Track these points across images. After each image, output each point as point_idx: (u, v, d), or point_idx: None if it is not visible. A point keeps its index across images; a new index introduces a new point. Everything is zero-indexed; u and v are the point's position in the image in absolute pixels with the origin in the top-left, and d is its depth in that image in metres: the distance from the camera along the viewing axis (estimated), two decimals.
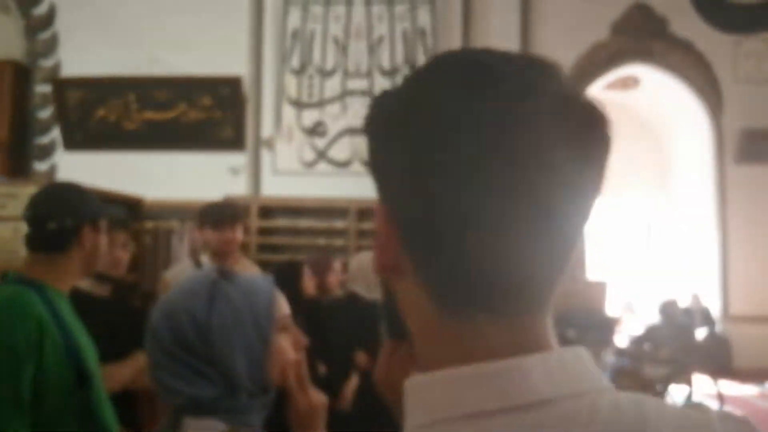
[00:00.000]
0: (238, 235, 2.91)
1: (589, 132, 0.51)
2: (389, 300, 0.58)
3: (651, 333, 6.24)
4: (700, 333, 8.08)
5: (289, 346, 0.98)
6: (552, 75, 0.50)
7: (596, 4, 8.79)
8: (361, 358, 3.46)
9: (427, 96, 0.48)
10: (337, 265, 3.71)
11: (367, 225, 7.73)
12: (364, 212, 7.72)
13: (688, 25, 8.80)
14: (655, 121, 10.79)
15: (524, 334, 0.47)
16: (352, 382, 3.49)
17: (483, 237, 0.45)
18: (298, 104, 8.36)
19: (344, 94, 8.27)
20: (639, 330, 7.13)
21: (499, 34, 8.50)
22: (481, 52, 0.52)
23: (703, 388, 6.16)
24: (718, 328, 8.54)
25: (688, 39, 8.89)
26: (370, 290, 4.26)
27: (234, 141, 8.67)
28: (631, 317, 9.72)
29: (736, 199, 8.85)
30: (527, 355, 0.45)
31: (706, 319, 8.50)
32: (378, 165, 0.51)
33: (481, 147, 0.45)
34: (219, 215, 2.90)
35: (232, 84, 8.51)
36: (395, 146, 0.48)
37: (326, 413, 1.03)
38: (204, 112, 8.64)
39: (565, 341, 0.50)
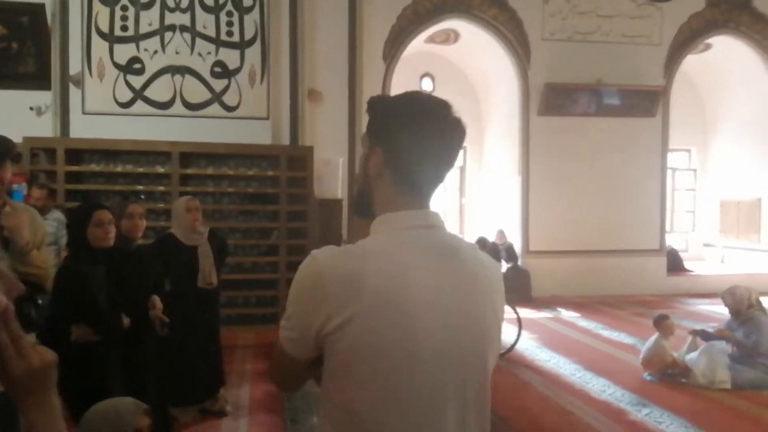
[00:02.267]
0: (6, 174, 2.42)
1: (460, 133, 1.20)
2: (363, 194, 1.23)
3: None
4: (504, 266, 9.02)
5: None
6: (449, 107, 1.20)
7: None
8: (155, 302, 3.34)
9: (411, 113, 1.17)
10: (136, 209, 3.47)
11: (192, 170, 7.44)
12: (187, 156, 7.40)
13: None
14: (473, 74, 11.51)
15: (425, 203, 1.20)
16: (158, 302, 3.36)
17: (419, 167, 1.17)
18: (110, 37, 7.67)
19: (163, 29, 7.73)
20: None
21: None
22: (426, 96, 1.23)
23: (506, 314, 6.94)
24: (520, 262, 9.59)
25: None
26: (185, 235, 4.17)
27: (37, 77, 7.76)
28: None
29: (538, 147, 9.85)
30: (427, 209, 1.20)
31: (510, 254, 9.52)
32: (381, 132, 1.19)
33: (427, 136, 1.16)
34: None
35: (33, 12, 7.56)
36: (394, 128, 1.17)
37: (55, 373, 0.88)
38: None
39: None
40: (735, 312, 5.13)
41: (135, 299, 3.22)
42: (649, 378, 5.26)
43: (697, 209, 12.40)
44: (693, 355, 5.25)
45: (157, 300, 3.33)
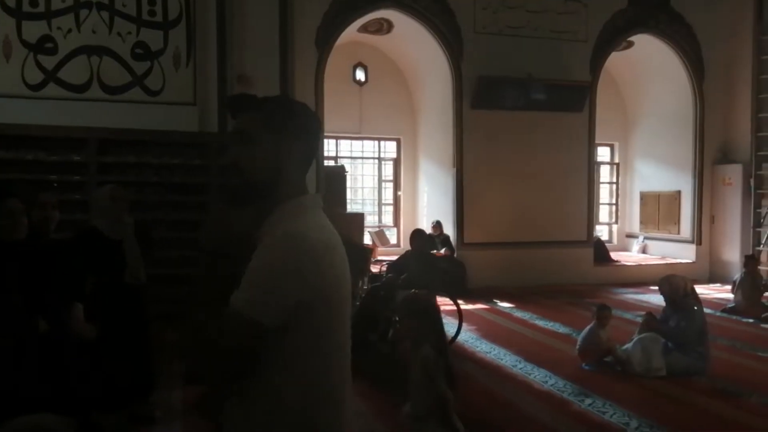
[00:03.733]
0: None
1: (320, 127, 1.53)
2: (265, 182, 1.39)
3: (401, 261, 6.69)
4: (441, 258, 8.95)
5: None
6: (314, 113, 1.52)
7: None
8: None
9: (307, 112, 1.47)
10: (49, 199, 3.11)
11: (111, 158, 6.91)
12: (105, 143, 6.87)
13: None
14: (406, 66, 11.41)
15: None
16: (78, 309, 3.06)
17: (312, 157, 1.50)
18: (18, 13, 6.99)
19: (78, 5, 7.13)
20: (392, 259, 7.62)
21: None
22: (302, 105, 1.49)
23: (444, 307, 6.86)
24: (456, 254, 9.59)
25: None
26: (110, 227, 3.81)
27: None
28: (384, 247, 10.42)
29: (471, 140, 9.87)
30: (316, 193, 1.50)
31: (446, 245, 9.50)
32: (286, 127, 1.40)
33: (316, 131, 1.48)
34: None
35: None
36: (298, 125, 1.44)
37: None
38: None
39: None
40: (671, 300, 5.25)
41: (51, 299, 2.86)
42: (586, 367, 5.31)
43: (620, 202, 12.87)
44: (628, 344, 5.34)
45: (77, 310, 2.97)
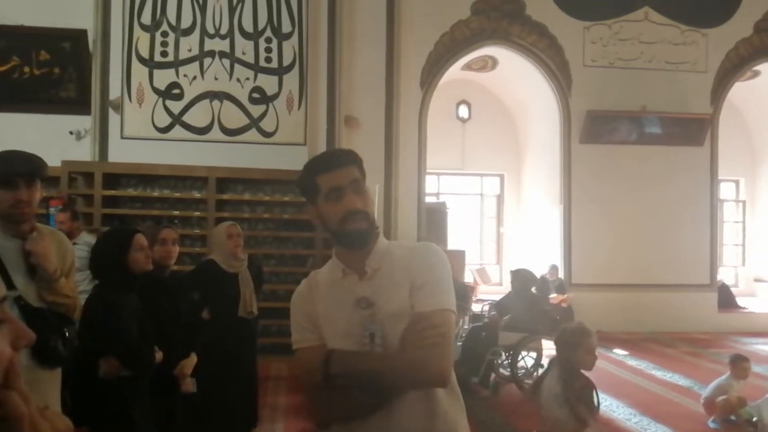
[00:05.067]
0: (35, 195, 2.19)
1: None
2: (372, 225, 1.54)
3: (504, 302, 6.52)
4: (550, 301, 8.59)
5: (3, 342, 0.64)
6: None
7: None
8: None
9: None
10: (169, 235, 3.30)
11: (227, 195, 7.33)
12: (223, 182, 7.30)
13: (543, 8, 9.30)
14: (511, 102, 11.31)
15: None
16: (191, 361, 3.20)
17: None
18: (150, 63, 7.69)
19: (202, 54, 7.73)
20: (493, 298, 7.46)
21: (365, 8, 8.41)
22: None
23: (549, 352, 6.57)
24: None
25: (542, 22, 9.37)
26: (226, 261, 4.01)
27: (77, 101, 7.80)
28: (485, 285, 10.21)
29: (579, 176, 9.54)
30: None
31: (559, 289, 9.07)
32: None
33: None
34: (5, 167, 2.15)
35: (75, 37, 7.63)
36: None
37: None
38: (42, 68, 7.73)
39: None
40: None
41: (169, 330, 3.03)
42: (713, 425, 4.85)
43: (747, 242, 11.85)
44: (758, 401, 4.84)
45: (187, 365, 3.13)
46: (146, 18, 7.68)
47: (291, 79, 7.85)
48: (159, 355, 2.88)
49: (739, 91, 10.39)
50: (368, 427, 1.43)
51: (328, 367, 1.42)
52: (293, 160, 7.67)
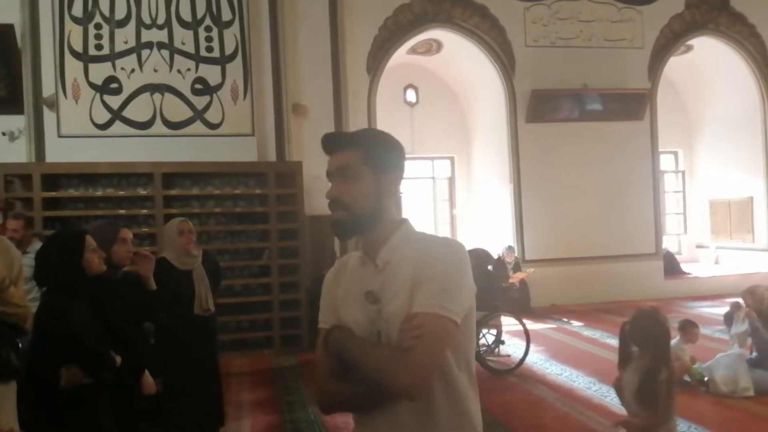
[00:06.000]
0: None
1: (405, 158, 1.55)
2: (372, 213, 1.44)
3: None
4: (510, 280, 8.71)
5: None
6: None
7: None
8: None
9: (399, 146, 1.50)
10: (128, 234, 3.18)
11: (175, 191, 7.12)
12: (169, 177, 7.09)
13: None
14: (458, 84, 11.37)
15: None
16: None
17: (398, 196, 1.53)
18: (85, 57, 7.36)
19: (140, 46, 7.44)
20: None
21: None
22: (394, 139, 1.51)
23: (509, 327, 6.69)
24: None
25: (483, 4, 9.43)
26: (179, 259, 3.88)
27: (8, 100, 7.40)
28: None
29: (527, 155, 9.70)
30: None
31: (516, 268, 9.20)
32: (384, 161, 1.44)
33: (400, 168, 1.49)
34: None
35: (2, 32, 7.22)
36: (394, 158, 1.48)
37: None
38: None
39: None
40: (756, 312, 4.95)
41: (125, 331, 2.92)
42: None
43: (688, 211, 12.34)
44: (709, 363, 5.06)
45: (148, 382, 3.04)
46: (77, 10, 7.35)
47: (234, 69, 7.66)
48: (117, 358, 2.77)
49: (674, 65, 10.75)
50: (374, 419, 1.37)
51: (327, 343, 1.39)
52: (241, 152, 7.53)
